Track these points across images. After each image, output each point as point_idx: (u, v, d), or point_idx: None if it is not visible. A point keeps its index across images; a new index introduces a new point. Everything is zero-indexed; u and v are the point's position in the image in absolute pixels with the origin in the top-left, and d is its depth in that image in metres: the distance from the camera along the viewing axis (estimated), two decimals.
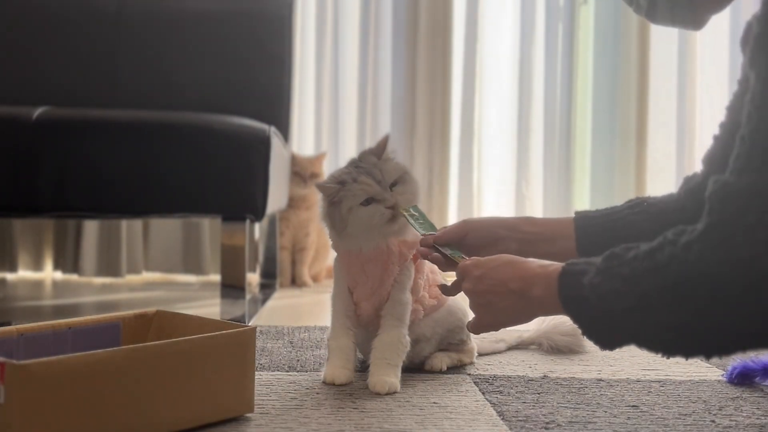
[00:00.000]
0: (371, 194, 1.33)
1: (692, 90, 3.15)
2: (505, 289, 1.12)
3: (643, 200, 1.29)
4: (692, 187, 1.24)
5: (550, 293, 1.05)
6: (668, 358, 1.01)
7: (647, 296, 0.94)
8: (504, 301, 1.13)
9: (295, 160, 2.78)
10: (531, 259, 1.13)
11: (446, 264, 1.31)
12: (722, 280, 0.90)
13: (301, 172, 2.77)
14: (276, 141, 2.19)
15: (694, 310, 0.92)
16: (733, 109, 1.18)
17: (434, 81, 3.11)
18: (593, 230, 1.28)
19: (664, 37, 3.14)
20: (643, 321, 0.96)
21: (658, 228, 1.22)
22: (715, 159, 1.21)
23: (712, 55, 3.14)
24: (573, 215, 1.32)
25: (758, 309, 0.90)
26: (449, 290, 1.34)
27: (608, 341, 1.02)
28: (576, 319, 1.03)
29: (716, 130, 1.23)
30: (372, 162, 1.37)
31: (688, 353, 0.99)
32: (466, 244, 1.32)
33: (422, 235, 1.33)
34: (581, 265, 1.03)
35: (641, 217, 1.26)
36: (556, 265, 1.06)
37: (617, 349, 1.03)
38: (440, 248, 1.30)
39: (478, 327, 1.20)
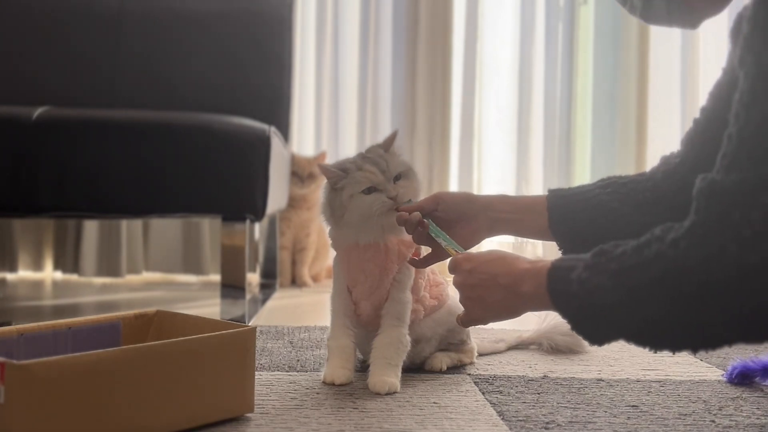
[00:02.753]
0: (374, 183, 1.34)
1: (694, 89, 3.15)
2: (494, 283, 1.13)
3: (615, 179, 1.30)
4: (670, 169, 1.25)
5: (539, 289, 1.06)
6: (655, 352, 1.02)
7: (634, 291, 0.95)
8: (493, 296, 1.13)
9: (293, 160, 2.78)
10: (521, 256, 1.15)
11: (426, 239, 1.33)
12: (707, 276, 0.91)
13: (298, 171, 2.77)
14: (276, 141, 2.19)
15: (680, 305, 0.93)
16: (715, 95, 1.20)
17: (434, 81, 3.11)
18: (564, 208, 1.29)
19: (664, 37, 3.14)
20: (629, 316, 0.97)
21: (627, 207, 1.26)
22: (694, 141, 1.22)
23: (715, 54, 3.13)
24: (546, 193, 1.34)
25: (743, 304, 0.91)
26: (417, 263, 1.38)
27: (596, 336, 1.03)
28: (564, 313, 1.03)
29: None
30: (378, 153, 1.38)
31: (674, 347, 1.00)
32: (436, 217, 1.33)
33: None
34: (570, 260, 1.04)
35: (611, 196, 1.27)
36: (545, 261, 1.08)
37: (607, 344, 1.03)
38: (435, 237, 1.31)
39: (467, 320, 1.21)
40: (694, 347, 1.00)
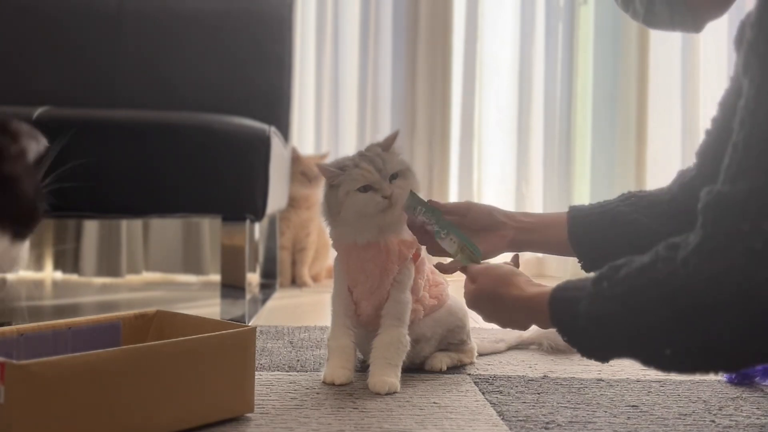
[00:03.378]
0: (370, 181, 1.34)
1: (694, 89, 3.15)
2: (501, 307, 1.15)
3: (635, 193, 1.31)
4: (686, 181, 1.26)
5: (542, 317, 1.07)
6: (675, 373, 1.01)
7: (645, 314, 0.93)
8: (504, 319, 1.17)
9: (300, 161, 2.78)
10: (521, 281, 1.14)
11: (428, 241, 1.34)
12: (721, 292, 0.87)
13: (307, 172, 2.77)
14: (276, 141, 2.19)
15: (694, 324, 0.90)
16: (725, 104, 1.19)
17: (434, 81, 3.11)
18: (584, 221, 1.30)
19: (664, 37, 3.14)
20: (643, 340, 0.95)
21: (647, 219, 1.25)
22: (707, 153, 1.22)
23: (715, 54, 3.13)
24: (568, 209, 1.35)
25: (758, 322, 0.87)
26: (446, 268, 1.37)
27: (607, 359, 1.04)
28: (573, 344, 1.03)
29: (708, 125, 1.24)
30: (376, 152, 1.38)
31: (692, 369, 0.99)
32: (465, 224, 1.34)
33: (426, 220, 1.33)
34: (571, 290, 1.03)
35: (631, 208, 1.28)
36: (545, 290, 1.07)
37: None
38: (440, 240, 1.31)
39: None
40: (711, 369, 0.97)
